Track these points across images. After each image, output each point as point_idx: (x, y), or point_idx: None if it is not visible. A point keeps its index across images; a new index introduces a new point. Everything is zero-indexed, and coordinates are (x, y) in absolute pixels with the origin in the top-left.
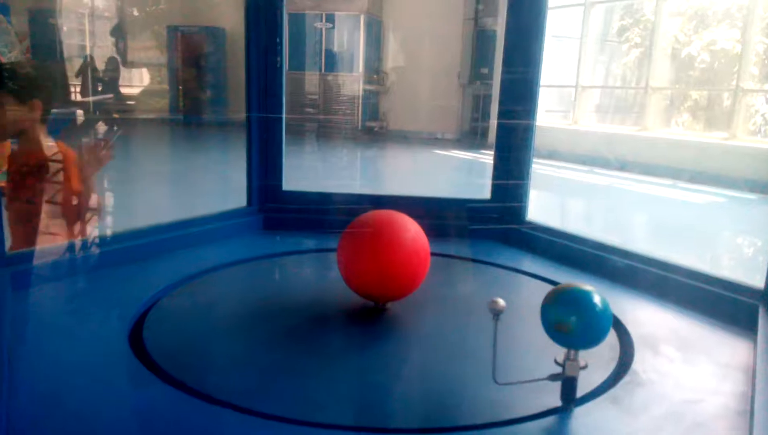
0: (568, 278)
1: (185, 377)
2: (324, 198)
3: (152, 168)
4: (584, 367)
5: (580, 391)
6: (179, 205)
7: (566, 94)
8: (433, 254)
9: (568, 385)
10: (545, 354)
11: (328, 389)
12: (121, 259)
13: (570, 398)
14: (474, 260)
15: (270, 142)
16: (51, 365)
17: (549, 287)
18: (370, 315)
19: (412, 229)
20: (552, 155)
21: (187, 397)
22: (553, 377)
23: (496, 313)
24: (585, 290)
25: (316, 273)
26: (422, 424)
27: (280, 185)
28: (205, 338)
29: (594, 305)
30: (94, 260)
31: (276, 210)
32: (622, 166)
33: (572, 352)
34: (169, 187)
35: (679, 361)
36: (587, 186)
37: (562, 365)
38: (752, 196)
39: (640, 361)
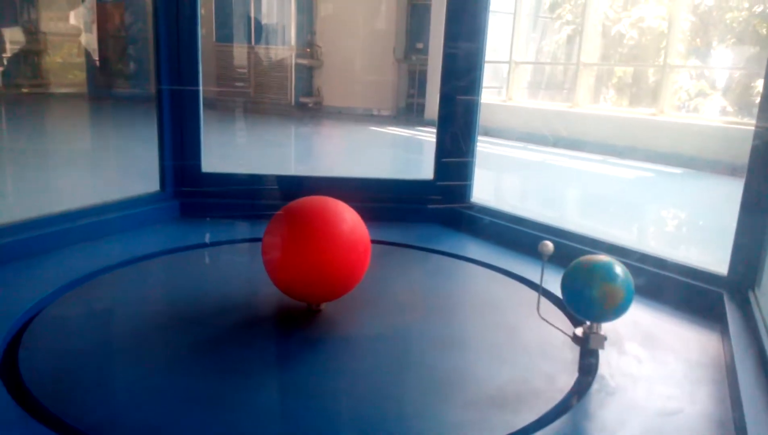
0: (514, 265)
1: (66, 412)
2: (250, 180)
3: (61, 147)
4: (605, 339)
5: (546, 405)
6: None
7: (501, 71)
8: (372, 241)
9: (589, 359)
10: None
11: (247, 419)
12: (3, 257)
13: (589, 371)
14: (416, 247)
15: (186, 118)
16: None
17: (496, 275)
18: (301, 319)
19: (349, 219)
20: (487, 132)
21: None
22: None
23: (546, 255)
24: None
25: (239, 269)
26: None
27: (199, 166)
28: (96, 358)
29: None
30: None
31: (194, 194)
32: (555, 142)
33: (595, 325)
34: (79, 171)
35: (648, 361)
36: (520, 162)
37: (585, 339)
38: (677, 171)
39: (606, 364)
